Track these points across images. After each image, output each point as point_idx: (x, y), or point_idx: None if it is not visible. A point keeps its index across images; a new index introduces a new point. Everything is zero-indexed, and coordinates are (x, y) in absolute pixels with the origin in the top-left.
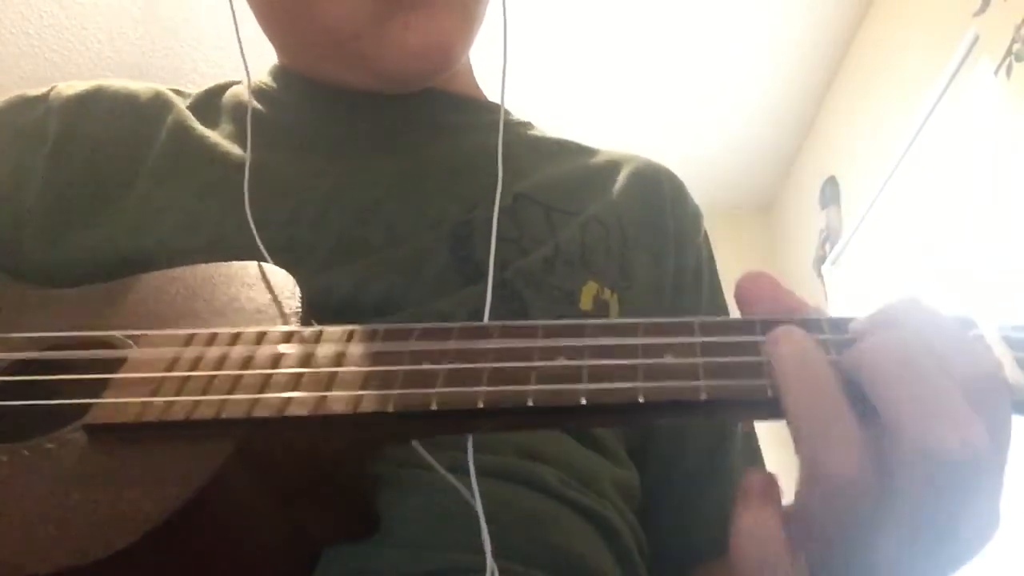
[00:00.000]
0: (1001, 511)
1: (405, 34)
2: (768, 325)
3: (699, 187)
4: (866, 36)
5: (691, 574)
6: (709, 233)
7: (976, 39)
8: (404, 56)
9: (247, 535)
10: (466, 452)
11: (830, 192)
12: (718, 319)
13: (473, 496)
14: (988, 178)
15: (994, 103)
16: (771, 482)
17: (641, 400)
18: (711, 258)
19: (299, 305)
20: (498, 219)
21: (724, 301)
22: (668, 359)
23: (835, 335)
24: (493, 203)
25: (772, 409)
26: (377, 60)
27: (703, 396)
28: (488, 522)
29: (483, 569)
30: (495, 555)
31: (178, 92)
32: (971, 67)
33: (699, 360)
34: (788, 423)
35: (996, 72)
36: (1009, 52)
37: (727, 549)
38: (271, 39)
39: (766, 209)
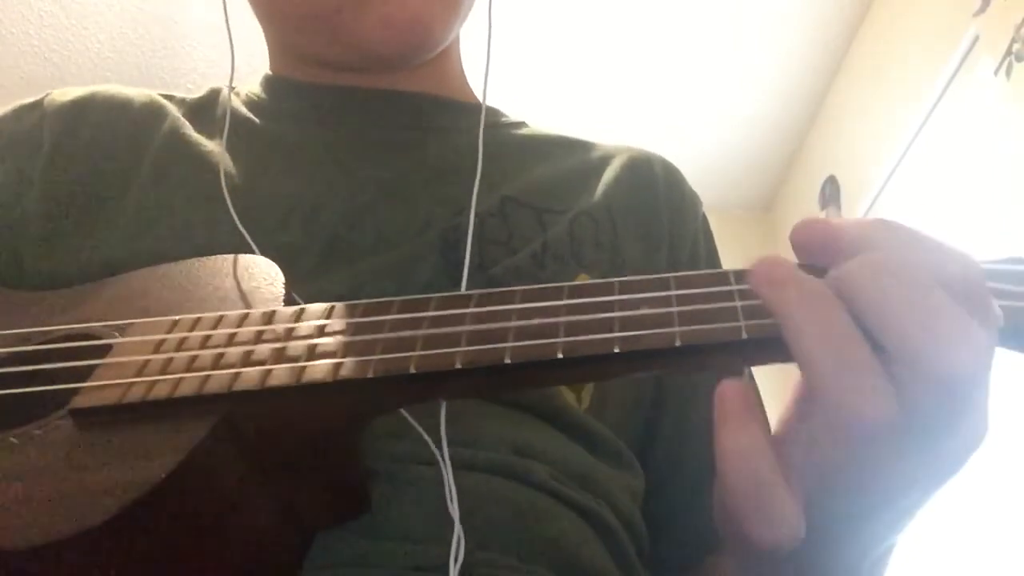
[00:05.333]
0: (989, 413)
1: (386, 8)
2: (741, 275)
3: (699, 187)
4: (866, 36)
5: (698, 569)
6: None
7: (976, 39)
8: (385, 30)
9: (235, 512)
10: (460, 445)
11: (830, 192)
12: (694, 272)
13: (443, 458)
14: (988, 178)
15: (994, 103)
16: (748, 393)
17: (617, 350)
18: (710, 242)
19: (282, 290)
20: (487, 222)
21: None
22: (644, 311)
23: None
24: (481, 206)
25: (750, 352)
26: (357, 34)
27: (678, 342)
28: (480, 517)
29: (481, 564)
30: (486, 548)
31: (170, 98)
32: (971, 67)
33: (674, 310)
34: (804, 368)
35: (996, 72)
36: (1009, 52)
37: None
38: (259, 18)
39: (766, 209)
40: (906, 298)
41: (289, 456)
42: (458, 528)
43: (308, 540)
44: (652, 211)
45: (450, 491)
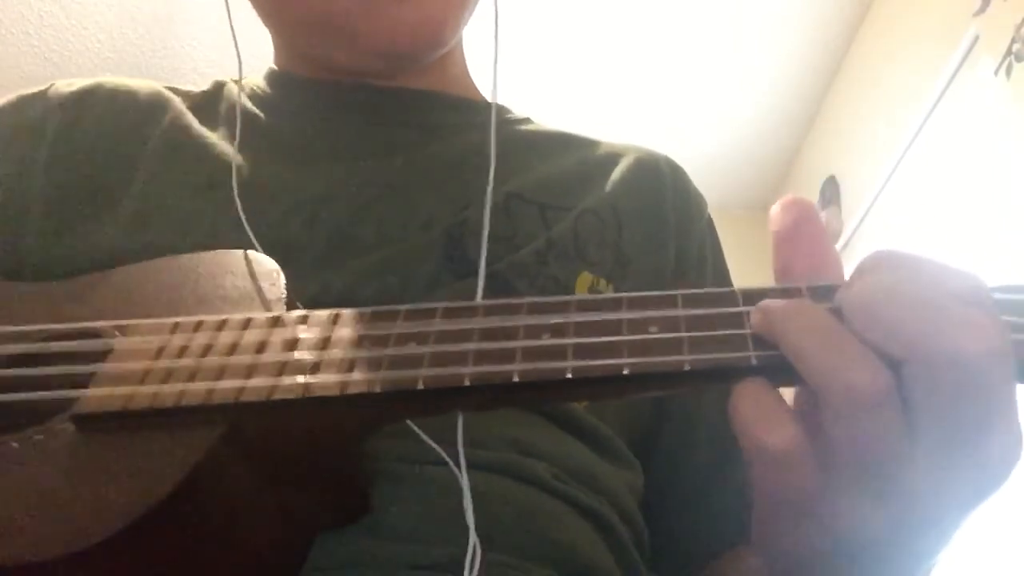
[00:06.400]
0: (1021, 426)
1: (395, 10)
2: (750, 296)
3: (699, 187)
4: (866, 36)
5: (708, 568)
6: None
7: (976, 39)
8: (394, 32)
9: (239, 519)
10: (463, 445)
11: (830, 192)
12: (701, 291)
13: (460, 472)
14: (988, 178)
15: (994, 103)
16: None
17: (626, 372)
18: (715, 243)
19: (283, 291)
20: (492, 218)
21: (731, 285)
22: (652, 332)
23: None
24: (485, 203)
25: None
26: (367, 36)
27: (687, 368)
28: (482, 516)
29: (483, 563)
30: (488, 547)
31: (175, 90)
32: (971, 67)
33: (683, 334)
34: (795, 363)
35: (996, 72)
36: (1009, 52)
37: (744, 539)
38: (266, 22)
39: (766, 209)
40: (912, 303)
41: (293, 464)
42: (473, 536)
43: (309, 542)
44: (658, 211)
45: (467, 500)
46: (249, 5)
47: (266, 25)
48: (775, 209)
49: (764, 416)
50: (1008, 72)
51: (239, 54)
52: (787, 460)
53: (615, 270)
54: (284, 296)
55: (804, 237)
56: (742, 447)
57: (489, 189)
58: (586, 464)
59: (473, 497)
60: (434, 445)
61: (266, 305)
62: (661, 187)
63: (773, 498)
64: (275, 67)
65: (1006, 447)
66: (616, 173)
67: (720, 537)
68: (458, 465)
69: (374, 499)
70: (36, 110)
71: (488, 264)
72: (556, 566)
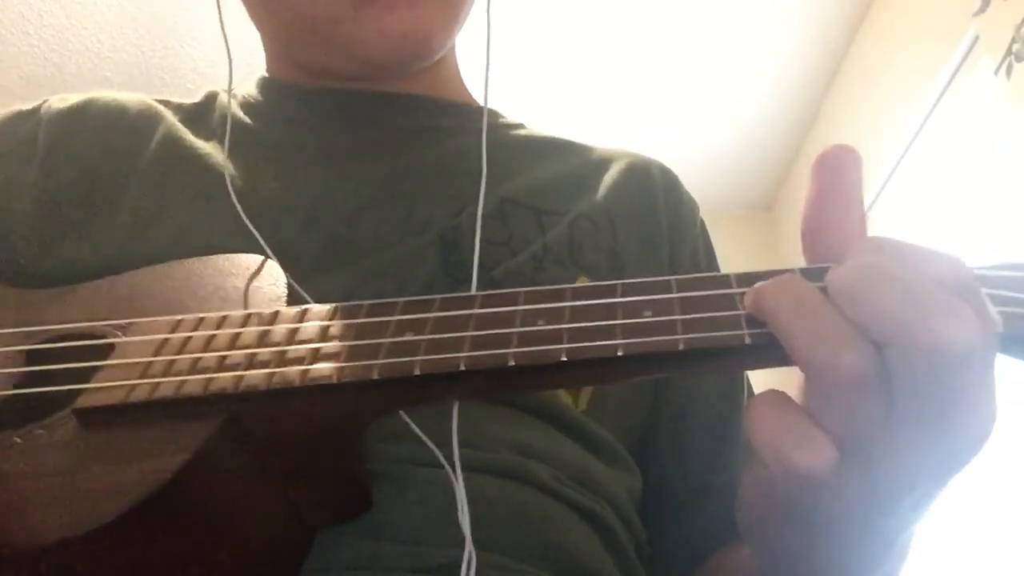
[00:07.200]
0: (997, 403)
1: (384, 19)
2: (743, 279)
3: (699, 187)
4: (866, 36)
5: (702, 568)
6: (709, 233)
7: (976, 39)
8: (383, 41)
9: (239, 511)
10: (460, 446)
11: None
12: (695, 275)
13: (455, 474)
14: (988, 178)
15: (994, 103)
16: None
17: (620, 353)
18: (708, 247)
19: (284, 290)
20: (487, 222)
21: None
22: (647, 316)
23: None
24: (477, 206)
25: (753, 357)
26: (356, 45)
27: (681, 347)
28: (480, 517)
29: (481, 566)
30: (486, 549)
31: (166, 103)
32: (971, 67)
33: (677, 317)
34: (781, 340)
35: (996, 72)
36: (1009, 52)
37: (737, 537)
38: (258, 27)
39: (766, 209)
40: (896, 288)
41: (293, 455)
42: (469, 545)
43: (310, 538)
44: (651, 216)
45: (461, 505)
46: (244, 12)
47: (258, 30)
48: (822, 153)
49: (799, 437)
50: (1008, 72)
51: (230, 59)
52: (826, 482)
53: (611, 275)
54: (285, 295)
55: (837, 187)
56: (771, 469)
57: (481, 192)
58: (585, 466)
59: (472, 499)
60: (434, 448)
61: (267, 306)
62: (653, 191)
63: (793, 513)
64: (267, 74)
65: (981, 424)
66: (608, 178)
67: (716, 539)
68: (454, 469)
69: (375, 501)
70: (28, 126)
71: (485, 269)
72: (555, 568)
